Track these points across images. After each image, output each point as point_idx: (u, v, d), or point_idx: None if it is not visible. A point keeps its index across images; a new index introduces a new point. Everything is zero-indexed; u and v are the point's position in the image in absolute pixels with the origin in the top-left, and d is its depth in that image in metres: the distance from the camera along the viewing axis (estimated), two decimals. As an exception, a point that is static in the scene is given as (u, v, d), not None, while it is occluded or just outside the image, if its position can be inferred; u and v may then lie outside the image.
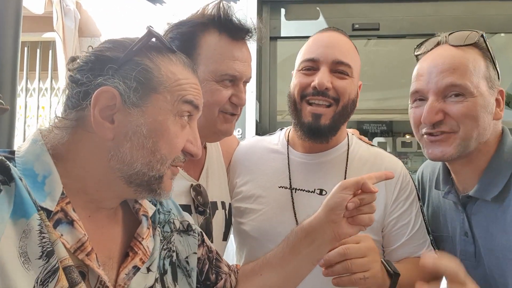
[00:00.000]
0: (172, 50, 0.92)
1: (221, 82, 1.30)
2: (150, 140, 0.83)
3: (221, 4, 1.33)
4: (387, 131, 4.67)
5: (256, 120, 3.27)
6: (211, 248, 1.15)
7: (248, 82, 1.37)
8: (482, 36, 1.28)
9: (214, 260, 1.15)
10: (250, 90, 3.18)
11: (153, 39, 0.88)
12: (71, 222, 0.78)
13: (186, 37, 1.32)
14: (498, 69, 1.30)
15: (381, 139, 4.38)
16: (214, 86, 1.29)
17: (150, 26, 0.87)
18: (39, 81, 3.55)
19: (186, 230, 1.09)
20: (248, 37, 1.34)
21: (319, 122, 1.38)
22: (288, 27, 3.50)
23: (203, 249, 1.12)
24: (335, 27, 1.51)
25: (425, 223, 1.42)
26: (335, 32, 1.46)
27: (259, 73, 3.36)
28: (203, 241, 1.13)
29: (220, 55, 1.30)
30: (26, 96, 3.54)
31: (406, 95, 1.41)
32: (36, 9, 3.05)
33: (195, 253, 1.09)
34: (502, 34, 3.41)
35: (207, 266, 1.12)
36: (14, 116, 1.96)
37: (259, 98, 3.37)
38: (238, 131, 3.24)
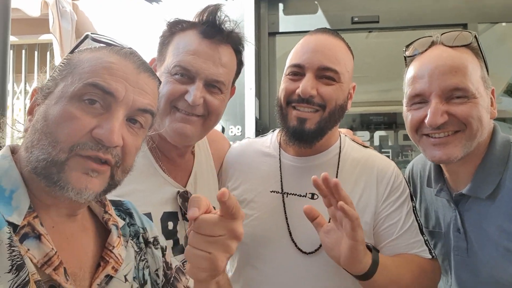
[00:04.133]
0: (109, 44, 0.89)
1: (174, 76, 1.26)
2: (44, 122, 0.80)
3: (210, 7, 1.31)
4: (390, 122, 4.63)
5: (256, 117, 3.25)
6: (170, 265, 1.11)
7: (214, 85, 1.29)
8: (475, 36, 1.27)
9: (172, 279, 1.09)
10: (249, 87, 3.17)
11: (92, 42, 0.89)
12: (38, 237, 0.77)
13: (164, 38, 1.34)
14: (488, 69, 1.30)
15: (383, 133, 4.35)
16: (167, 78, 1.26)
17: (90, 33, 0.89)
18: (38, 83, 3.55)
19: (153, 243, 1.08)
20: (221, 37, 1.29)
21: (304, 127, 1.36)
22: (286, 22, 3.47)
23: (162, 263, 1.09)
24: (326, 28, 1.47)
25: (418, 223, 1.40)
26: (324, 34, 1.42)
27: (258, 69, 3.34)
28: (163, 255, 1.10)
29: (182, 48, 1.27)
30: (25, 99, 3.55)
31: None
32: (32, 11, 3.06)
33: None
34: (503, 24, 3.35)
35: (162, 283, 1.07)
36: (5, 117, 1.99)
37: (258, 94, 3.35)
38: (238, 128, 3.23)
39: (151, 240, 1.07)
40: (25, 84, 3.58)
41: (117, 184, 0.88)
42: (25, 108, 3.56)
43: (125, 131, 0.85)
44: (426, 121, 1.24)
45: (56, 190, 0.79)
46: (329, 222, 1.35)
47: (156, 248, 1.08)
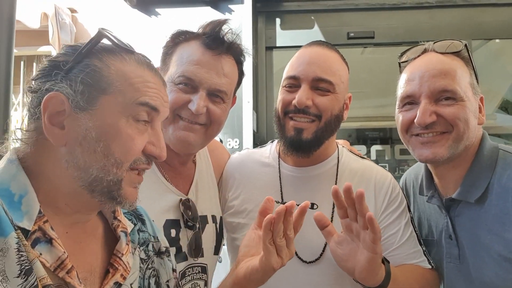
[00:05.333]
0: (127, 50, 0.88)
1: (178, 85, 1.29)
2: (101, 143, 0.81)
3: (215, 21, 1.34)
4: (386, 138, 4.67)
5: (254, 130, 3.27)
6: (179, 283, 1.12)
7: (217, 94, 1.31)
8: (465, 45, 1.33)
9: None
10: (247, 100, 3.18)
11: (106, 41, 0.86)
12: (49, 241, 0.77)
13: (168, 48, 1.36)
14: (477, 78, 1.36)
15: (379, 147, 4.36)
16: (170, 87, 1.28)
17: (101, 28, 0.85)
18: (35, 94, 3.55)
19: (164, 252, 1.08)
20: (223, 48, 1.32)
21: (301, 136, 1.38)
22: (283, 37, 3.51)
23: (174, 281, 1.09)
24: (321, 41, 1.51)
25: (416, 233, 1.42)
26: (319, 46, 1.45)
27: (255, 83, 3.37)
28: (174, 270, 1.11)
29: (185, 59, 1.30)
30: (22, 110, 3.55)
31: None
32: (32, 23, 3.08)
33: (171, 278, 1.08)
34: (497, 40, 3.42)
35: None
36: (9, 128, 1.98)
37: (256, 108, 3.37)
38: (236, 141, 3.24)
39: (163, 250, 1.08)
40: (23, 95, 3.57)
41: None
42: (22, 119, 3.54)
43: None
44: (415, 120, 1.28)
45: (112, 203, 0.86)
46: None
47: (169, 260, 1.08)
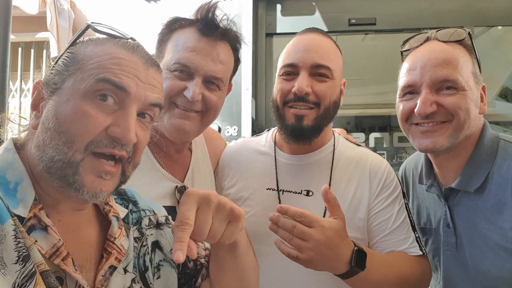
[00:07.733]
0: (111, 35, 0.87)
1: (174, 72, 1.28)
2: (56, 120, 0.79)
3: (207, 5, 1.32)
4: (384, 125, 4.66)
5: (252, 117, 3.26)
6: None
7: (212, 81, 1.31)
8: (469, 34, 1.31)
9: None
10: (246, 87, 3.17)
11: (95, 33, 0.87)
12: (45, 228, 0.78)
13: (163, 35, 1.35)
14: (480, 66, 1.35)
15: (378, 135, 4.35)
16: (166, 75, 1.26)
17: (91, 22, 0.87)
18: (33, 81, 3.54)
19: (165, 223, 1.08)
20: (219, 34, 1.31)
21: (302, 124, 1.38)
22: (284, 23, 3.48)
23: None
24: (315, 28, 1.50)
25: (410, 220, 1.42)
26: (315, 33, 1.45)
27: (255, 70, 3.35)
28: None
29: (181, 45, 1.29)
30: (20, 97, 3.54)
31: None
32: (30, 9, 3.05)
33: None
34: (499, 27, 3.38)
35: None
36: (5, 113, 1.98)
37: (255, 95, 3.36)
38: (234, 128, 3.23)
39: (162, 220, 1.07)
40: (21, 82, 3.56)
41: (127, 179, 0.88)
42: (20, 106, 3.54)
43: (137, 127, 0.85)
44: (415, 110, 1.28)
45: (71, 191, 0.79)
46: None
47: (169, 227, 1.08)
